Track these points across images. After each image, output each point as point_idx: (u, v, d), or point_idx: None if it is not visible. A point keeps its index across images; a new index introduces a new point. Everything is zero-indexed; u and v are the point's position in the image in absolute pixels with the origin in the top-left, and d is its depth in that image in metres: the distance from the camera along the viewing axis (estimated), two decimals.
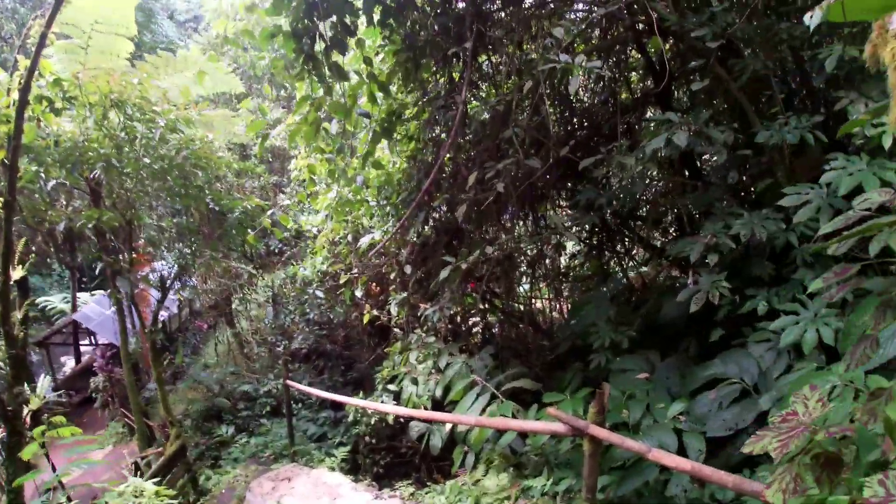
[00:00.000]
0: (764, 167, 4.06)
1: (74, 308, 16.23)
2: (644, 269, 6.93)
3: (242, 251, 12.44)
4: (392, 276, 6.60)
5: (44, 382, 12.19)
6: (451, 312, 5.86)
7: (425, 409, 5.90)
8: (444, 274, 4.48)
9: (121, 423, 11.73)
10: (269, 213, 6.59)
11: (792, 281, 3.44)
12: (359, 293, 6.75)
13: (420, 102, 5.38)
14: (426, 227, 5.74)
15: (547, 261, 7.11)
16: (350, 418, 7.21)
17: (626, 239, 6.48)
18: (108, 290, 9.52)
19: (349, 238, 7.04)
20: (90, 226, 6.37)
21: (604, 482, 3.30)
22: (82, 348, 16.80)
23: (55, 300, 17.80)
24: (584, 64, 3.60)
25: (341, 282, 6.92)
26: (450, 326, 6.89)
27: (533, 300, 7.26)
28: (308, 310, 9.67)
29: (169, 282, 9.05)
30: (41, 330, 16.57)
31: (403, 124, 5.51)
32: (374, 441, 7.01)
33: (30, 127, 5.70)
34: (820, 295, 3.13)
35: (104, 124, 6.08)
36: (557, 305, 7.62)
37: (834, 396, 2.41)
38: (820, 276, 3.17)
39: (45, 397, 12.04)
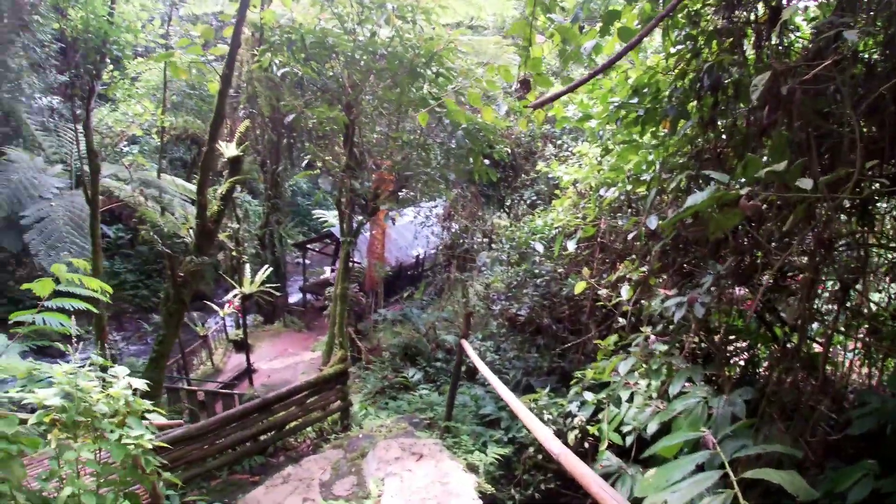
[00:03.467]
0: None
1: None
2: None
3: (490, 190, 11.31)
4: (631, 238, 4.57)
5: (261, 275, 13.19)
6: (708, 315, 3.60)
7: (620, 447, 3.94)
8: (693, 199, 2.41)
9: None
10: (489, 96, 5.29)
11: None
12: (571, 245, 4.88)
13: None
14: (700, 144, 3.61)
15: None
16: None
17: None
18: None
19: (601, 192, 5.21)
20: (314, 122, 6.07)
21: None
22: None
23: (329, 215, 19.08)
24: None
25: (555, 225, 5.13)
26: (703, 338, 4.57)
27: (828, 343, 4.33)
28: (537, 271, 8.10)
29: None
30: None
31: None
32: (541, 456, 5.25)
33: (269, 11, 5.64)
34: None
35: (333, 9, 5.72)
36: (866, 361, 4.50)
37: None
38: None
39: (258, 286, 12.87)
